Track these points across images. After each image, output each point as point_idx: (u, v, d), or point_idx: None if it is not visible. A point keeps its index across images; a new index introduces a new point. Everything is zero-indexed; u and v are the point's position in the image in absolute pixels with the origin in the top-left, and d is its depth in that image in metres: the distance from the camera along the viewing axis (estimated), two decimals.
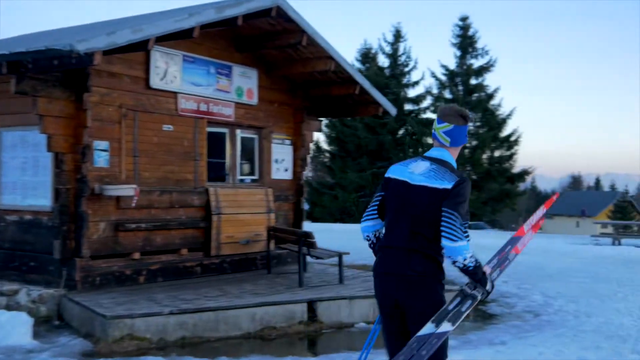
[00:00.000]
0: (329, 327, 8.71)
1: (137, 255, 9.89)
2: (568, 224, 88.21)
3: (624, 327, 8.47)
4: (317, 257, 10.16)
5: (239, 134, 11.87)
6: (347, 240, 22.45)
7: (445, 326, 3.75)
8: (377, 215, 4.13)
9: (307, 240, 9.90)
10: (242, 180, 12.02)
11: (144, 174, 10.04)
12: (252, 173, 12.20)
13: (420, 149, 53.47)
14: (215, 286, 9.86)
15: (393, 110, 12.99)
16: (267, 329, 8.30)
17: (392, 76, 55.86)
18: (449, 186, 3.81)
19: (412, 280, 3.81)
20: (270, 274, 11.39)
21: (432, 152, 4.10)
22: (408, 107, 56.31)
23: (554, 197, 5.19)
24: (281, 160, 12.48)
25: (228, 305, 8.25)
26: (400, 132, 55.93)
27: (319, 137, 59.73)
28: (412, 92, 56.83)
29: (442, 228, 3.74)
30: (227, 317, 8.09)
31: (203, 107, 10.93)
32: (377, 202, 4.13)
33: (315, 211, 57.39)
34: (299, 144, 12.75)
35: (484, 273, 3.97)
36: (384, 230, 4.07)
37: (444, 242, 3.75)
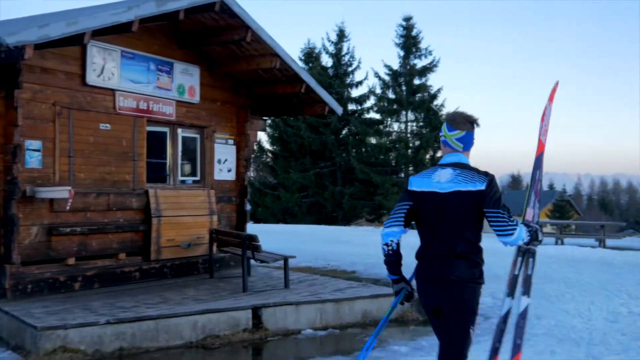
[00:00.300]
0: (274, 335, 8.36)
1: (72, 261, 9.40)
2: None
3: (575, 330, 8.36)
4: (262, 261, 9.82)
5: (181, 133, 11.44)
6: (291, 242, 22.20)
7: (524, 301, 4.34)
8: (403, 223, 4.30)
9: (251, 243, 9.54)
10: (183, 182, 11.59)
11: (80, 175, 9.54)
12: (194, 174, 11.78)
13: (363, 149, 53.53)
14: (155, 292, 9.43)
15: (339, 110, 12.72)
16: (210, 338, 7.92)
17: (336, 76, 55.77)
18: (482, 187, 4.03)
19: (457, 285, 4.00)
20: (212, 278, 11.00)
21: (449, 159, 4.26)
22: (351, 107, 56.30)
23: (556, 87, 5.14)
24: (224, 160, 12.08)
25: (169, 313, 7.84)
26: (344, 132, 55.89)
27: (262, 137, 59.34)
28: (355, 92, 56.82)
29: (494, 229, 4.02)
30: (168, 325, 7.68)
31: (142, 105, 10.47)
32: (404, 211, 4.26)
33: (258, 212, 56.92)
34: (242, 144, 12.37)
35: (535, 231, 4.27)
36: (422, 241, 4.31)
37: (502, 240, 4.06)
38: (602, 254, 18.81)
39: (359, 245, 21.74)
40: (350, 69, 56.78)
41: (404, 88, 52.49)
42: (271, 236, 26.35)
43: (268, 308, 8.39)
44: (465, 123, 4.26)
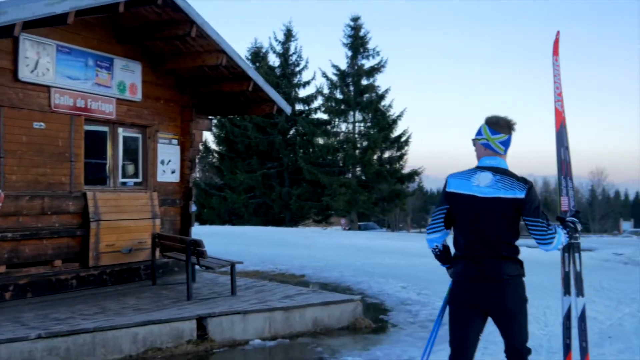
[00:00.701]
0: (221, 346, 7.88)
1: (2, 269, 8.76)
2: None
3: (533, 337, 8.02)
4: (207, 268, 9.33)
5: (121, 132, 10.88)
6: (238, 245, 21.69)
7: (580, 302, 4.79)
8: (444, 227, 4.40)
9: (196, 249, 9.06)
10: (124, 184, 11.02)
11: (11, 178, 8.90)
12: (135, 175, 11.21)
13: (311, 150, 53.21)
14: (93, 302, 8.87)
15: (288, 109, 12.29)
16: (151, 351, 7.41)
17: (283, 76, 55.41)
18: (521, 195, 4.16)
19: (507, 283, 4.22)
20: (155, 285, 10.47)
21: (488, 162, 4.36)
22: (299, 107, 55.99)
23: (558, 37, 5.15)
24: (168, 161, 11.55)
25: (106, 325, 7.30)
26: (291, 132, 55.51)
27: (208, 137, 58.50)
28: (303, 92, 56.60)
29: (533, 236, 4.19)
30: (106, 339, 7.15)
31: (80, 103, 9.88)
32: (443, 215, 4.38)
33: (204, 213, 56.12)
34: (187, 144, 11.85)
35: (573, 227, 4.61)
36: (461, 241, 4.34)
37: (543, 248, 4.28)
38: (553, 255, 18.76)
39: (307, 247, 21.36)
40: (297, 68, 56.50)
41: (351, 88, 52.39)
42: (217, 239, 25.77)
43: (214, 318, 7.91)
44: (507, 127, 4.39)
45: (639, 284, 12.77)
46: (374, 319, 9.53)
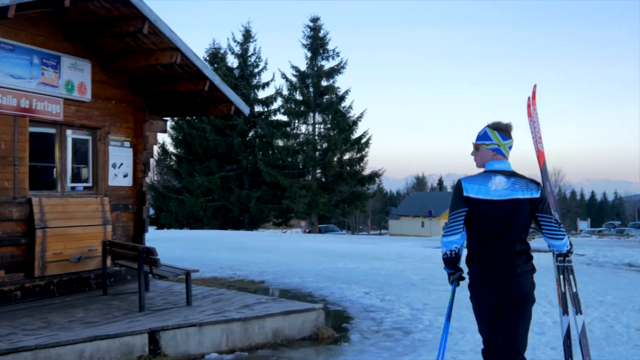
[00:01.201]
0: None
1: None
2: (413, 224, 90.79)
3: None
4: (161, 277, 8.83)
5: (70, 134, 10.31)
6: (196, 250, 21.15)
7: (580, 319, 4.99)
8: (463, 229, 4.51)
9: (149, 257, 8.56)
10: (73, 188, 10.45)
11: None
12: (85, 180, 10.65)
13: (270, 152, 52.72)
14: (39, 315, 8.30)
15: (246, 109, 11.82)
16: None
17: (242, 77, 54.89)
18: (537, 195, 4.50)
19: (524, 277, 4.48)
20: (106, 295, 9.93)
21: (499, 166, 4.59)
22: (258, 108, 55.52)
23: (535, 90, 5.58)
24: (120, 164, 11.00)
25: (50, 341, 6.76)
26: (250, 134, 54.98)
27: (165, 139, 57.69)
28: (262, 94, 56.19)
29: (546, 232, 4.57)
30: (48, 357, 6.61)
31: (24, 104, 9.29)
32: (463, 218, 4.48)
33: (162, 217, 55.29)
34: (140, 147, 11.31)
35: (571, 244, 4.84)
36: (477, 242, 4.52)
37: (553, 242, 4.64)
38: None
39: (267, 251, 20.91)
40: (256, 69, 56.04)
41: (311, 89, 52.07)
42: (174, 243, 25.21)
43: (167, 331, 7.42)
44: (511, 133, 4.69)
45: (604, 286, 12.60)
46: (337, 327, 9.13)
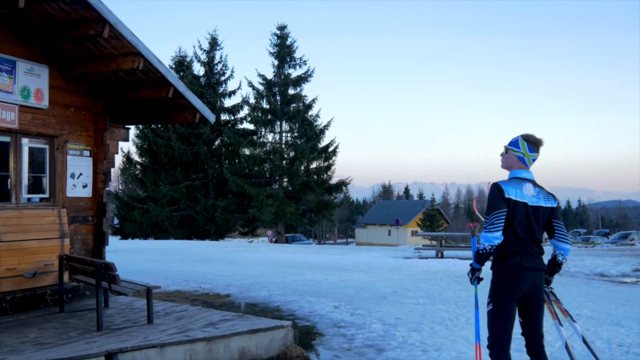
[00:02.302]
0: None
1: None
2: (380, 233, 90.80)
3: None
4: (120, 293, 8.35)
5: (26, 143, 9.80)
6: (159, 262, 20.58)
7: (578, 327, 5.76)
8: (502, 228, 5.02)
9: (107, 273, 8.09)
10: (29, 200, 9.93)
11: None
12: (42, 190, 10.14)
13: (237, 161, 52.21)
14: None
15: (212, 117, 11.41)
16: None
17: (208, 85, 54.36)
18: (555, 204, 5.26)
19: (543, 272, 5.23)
20: (63, 312, 9.42)
21: (526, 175, 5.21)
22: (224, 117, 55.02)
23: (474, 204, 6.97)
24: (79, 174, 10.51)
25: None
26: (216, 143, 54.42)
27: (130, 148, 56.82)
28: (228, 102, 55.84)
29: (558, 236, 5.28)
30: None
31: None
32: (504, 216, 5.01)
33: (126, 226, 54.41)
34: (100, 156, 10.82)
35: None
36: (512, 239, 5.07)
37: (563, 246, 5.30)
38: (485, 267, 18.43)
39: (233, 263, 20.45)
40: (223, 77, 55.58)
41: (278, 98, 51.70)
42: (138, 255, 24.64)
43: (125, 353, 6.96)
44: (539, 148, 5.25)
45: (580, 298, 12.39)
46: (306, 345, 8.76)
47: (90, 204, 10.80)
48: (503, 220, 4.98)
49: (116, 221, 58.92)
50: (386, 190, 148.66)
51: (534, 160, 5.22)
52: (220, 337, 7.75)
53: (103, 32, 8.78)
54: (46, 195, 10.15)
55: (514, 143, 5.23)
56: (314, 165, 51.93)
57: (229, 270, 17.84)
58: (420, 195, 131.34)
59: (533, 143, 5.21)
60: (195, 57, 56.05)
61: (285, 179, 51.49)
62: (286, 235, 53.86)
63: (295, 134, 52.02)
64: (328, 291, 13.44)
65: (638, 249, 29.84)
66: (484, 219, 5.13)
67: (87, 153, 10.70)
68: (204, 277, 15.83)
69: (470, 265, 5.45)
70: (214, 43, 55.97)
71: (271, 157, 50.90)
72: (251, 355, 7.92)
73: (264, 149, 52.07)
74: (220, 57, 56.17)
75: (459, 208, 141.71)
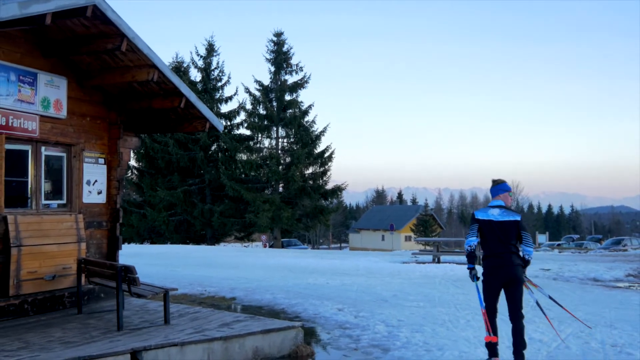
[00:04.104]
0: None
1: None
2: (374, 238, 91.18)
3: None
4: (140, 295, 8.77)
5: (45, 151, 10.22)
6: (162, 266, 20.99)
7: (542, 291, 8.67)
8: (478, 235, 7.59)
9: (127, 275, 8.52)
10: (47, 206, 10.35)
11: None
12: (60, 197, 10.56)
13: (234, 166, 52.58)
14: (15, 335, 8.21)
15: (220, 126, 11.85)
16: None
17: (205, 91, 54.73)
18: (518, 218, 7.54)
19: (518, 267, 7.40)
20: (81, 314, 9.84)
21: (497, 202, 7.76)
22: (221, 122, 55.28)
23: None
24: (94, 181, 10.94)
25: None
26: (213, 148, 54.79)
27: None
28: (225, 108, 56.16)
29: (525, 241, 7.51)
30: None
31: (1, 121, 9.19)
32: (477, 230, 7.60)
33: (123, 231, 54.66)
34: (114, 163, 11.26)
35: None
36: (484, 246, 7.59)
37: (528, 249, 7.53)
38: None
39: (235, 267, 20.87)
40: (219, 83, 55.93)
41: (274, 104, 52.14)
42: (140, 259, 25.00)
43: (149, 351, 7.39)
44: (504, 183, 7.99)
45: (574, 302, 12.84)
46: (315, 345, 9.19)
47: (104, 210, 11.22)
48: (476, 231, 7.60)
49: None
50: (379, 195, 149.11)
51: (502, 193, 7.81)
52: (235, 337, 8.18)
53: (121, 45, 9.25)
54: (64, 202, 10.56)
55: (508, 187, 7.91)
56: (310, 170, 52.41)
57: (231, 274, 18.25)
58: (414, 200, 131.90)
59: (496, 182, 7.95)
60: (192, 63, 56.48)
61: (282, 184, 51.92)
62: (282, 240, 54.26)
63: (292, 140, 52.46)
64: (331, 294, 13.87)
65: (631, 255, 30.36)
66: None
67: (101, 161, 11.12)
68: (208, 281, 16.25)
69: (468, 267, 7.77)
70: (210, 49, 56.39)
71: (267, 162, 51.33)
72: (264, 354, 8.35)
73: (261, 154, 52.50)
74: (217, 63, 56.62)
75: (452, 213, 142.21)
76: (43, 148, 10.18)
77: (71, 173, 10.62)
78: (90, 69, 10.49)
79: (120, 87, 10.99)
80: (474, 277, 7.62)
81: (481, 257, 7.69)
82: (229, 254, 29.46)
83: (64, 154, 10.58)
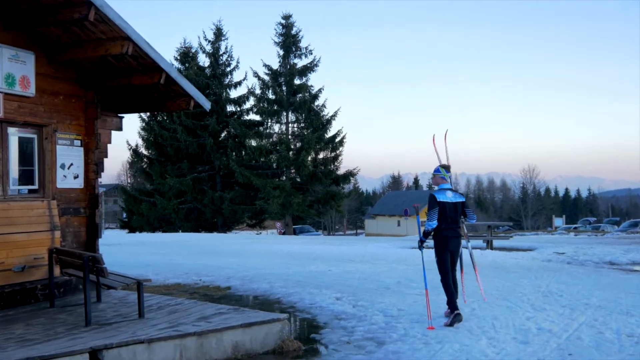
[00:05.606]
0: None
1: None
2: (390, 224, 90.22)
3: (486, 357, 7.05)
4: (108, 287, 7.99)
5: (13, 133, 9.45)
6: (162, 255, 20.26)
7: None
8: (437, 217, 8.82)
9: (95, 266, 7.74)
10: (18, 191, 9.59)
11: None
12: (31, 182, 9.79)
13: (243, 152, 51.86)
14: None
15: (207, 104, 11.03)
16: None
17: (214, 76, 53.97)
18: (464, 199, 9.17)
19: (460, 238, 9.17)
20: (53, 307, 9.08)
21: (447, 186, 9.15)
22: (230, 108, 54.63)
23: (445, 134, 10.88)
24: (69, 165, 10.16)
25: None
26: (223, 134, 54.04)
27: (138, 141, 56.49)
28: (234, 93, 55.48)
29: (469, 215, 9.26)
30: None
31: None
32: (437, 211, 8.81)
33: (133, 220, 54.15)
34: (92, 145, 10.47)
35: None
36: (443, 222, 8.85)
37: (472, 220, 9.36)
38: (493, 256, 18.01)
39: (237, 255, 20.10)
40: (228, 68, 55.17)
41: (284, 88, 51.26)
42: (143, 248, 24.37)
43: (111, 350, 6.60)
44: (450, 169, 9.40)
45: (588, 287, 11.96)
46: (304, 338, 8.41)
47: (82, 195, 10.45)
48: (436, 214, 8.79)
49: (124, 215, 58.75)
50: (395, 181, 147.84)
51: (450, 177, 9.25)
52: (212, 332, 7.39)
53: (89, 15, 8.41)
54: (35, 187, 9.80)
55: (437, 170, 9.26)
56: (320, 155, 51.49)
57: (232, 262, 17.49)
58: (430, 186, 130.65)
59: (448, 168, 9.37)
60: (200, 48, 55.67)
61: (292, 170, 51.11)
62: (294, 226, 53.51)
63: (302, 125, 51.59)
64: (331, 282, 13.07)
65: None
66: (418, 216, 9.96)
67: (77, 143, 10.35)
68: (205, 270, 15.49)
69: (420, 238, 9.20)
70: (218, 34, 55.53)
71: (277, 148, 50.51)
72: (245, 350, 7.56)
73: (270, 140, 51.68)
74: (226, 48, 55.77)
75: (469, 198, 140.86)
76: (10, 129, 9.41)
77: (43, 156, 9.85)
78: (60, 42, 9.67)
79: (96, 63, 10.19)
80: (422, 248, 9.16)
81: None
82: (234, 242, 28.72)
83: (35, 136, 9.80)
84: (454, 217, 8.87)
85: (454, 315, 8.68)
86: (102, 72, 10.41)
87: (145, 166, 55.81)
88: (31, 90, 9.48)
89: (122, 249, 23.60)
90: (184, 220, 51.86)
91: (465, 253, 10.33)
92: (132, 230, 53.83)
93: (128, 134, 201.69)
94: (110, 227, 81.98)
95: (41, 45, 9.65)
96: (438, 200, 8.79)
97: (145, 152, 56.21)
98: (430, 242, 9.30)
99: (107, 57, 9.85)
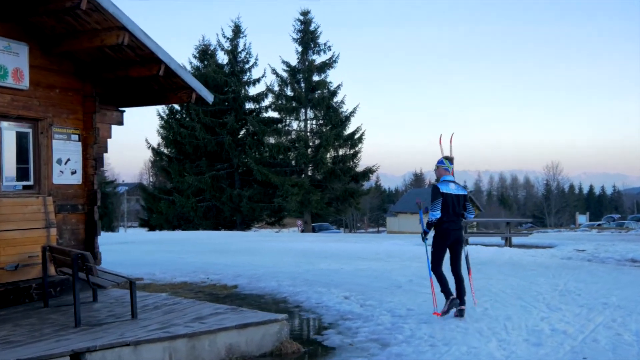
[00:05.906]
0: None
1: None
2: (411, 221, 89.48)
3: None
4: (99, 286, 7.65)
5: (6, 127, 9.16)
6: (173, 253, 19.95)
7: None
8: (441, 209, 8.77)
9: (84, 264, 7.41)
10: (12, 187, 9.28)
11: None
12: (26, 177, 9.49)
13: (262, 150, 51.55)
14: None
15: (210, 97, 10.68)
16: None
17: (232, 74, 53.71)
18: (466, 193, 9.10)
19: (462, 231, 9.14)
20: (47, 307, 8.77)
21: (450, 178, 9.06)
22: (249, 105, 54.38)
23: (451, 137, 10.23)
24: (66, 160, 9.85)
25: None
26: (241, 132, 53.77)
27: (158, 140, 56.40)
28: (253, 90, 55.05)
29: (468, 209, 9.06)
30: None
31: None
32: (441, 202, 8.76)
33: (152, 218, 54.09)
34: (90, 140, 10.14)
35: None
36: (445, 214, 8.79)
37: (470, 215, 9.14)
38: (510, 254, 17.48)
39: (248, 253, 19.75)
40: (247, 66, 54.88)
41: (302, 85, 50.87)
42: (155, 246, 24.13)
43: (95, 352, 6.25)
44: (453, 161, 9.29)
45: (608, 285, 11.45)
46: (306, 339, 8.05)
47: (80, 192, 10.14)
48: (439, 205, 8.75)
49: (145, 213, 58.75)
50: (418, 179, 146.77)
51: (452, 169, 9.12)
52: (205, 333, 7.02)
53: (80, 3, 8.07)
54: (30, 182, 9.50)
55: (440, 162, 9.14)
56: (339, 152, 51.02)
57: (242, 260, 17.14)
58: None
59: (451, 160, 9.24)
60: (219, 46, 55.39)
61: (311, 167, 50.70)
62: (313, 224, 53.11)
63: (320, 122, 51.15)
64: (340, 281, 12.67)
65: None
66: (425, 207, 9.33)
67: (75, 137, 10.04)
68: (213, 268, 15.15)
69: (423, 229, 9.17)
70: (237, 31, 55.23)
71: (296, 145, 50.14)
72: (240, 352, 7.19)
73: (289, 137, 51.30)
74: (244, 45, 55.46)
75: (492, 195, 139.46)
76: (4, 123, 9.11)
77: (38, 151, 9.54)
78: (55, 33, 9.36)
79: (93, 55, 9.86)
80: (425, 239, 9.29)
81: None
82: (249, 240, 28.39)
83: (30, 130, 9.50)
84: (456, 210, 8.84)
85: (449, 301, 8.80)
86: (99, 64, 10.09)
87: (165, 164, 55.70)
88: (25, 83, 9.18)
89: (137, 247, 23.39)
90: (202, 219, 51.67)
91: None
92: (151, 228, 53.77)
93: (148, 132, 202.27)
94: (133, 225, 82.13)
95: (35, 37, 9.34)
96: (441, 191, 8.78)
97: (165, 150, 56.12)
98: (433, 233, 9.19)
99: (103, 49, 9.53)
